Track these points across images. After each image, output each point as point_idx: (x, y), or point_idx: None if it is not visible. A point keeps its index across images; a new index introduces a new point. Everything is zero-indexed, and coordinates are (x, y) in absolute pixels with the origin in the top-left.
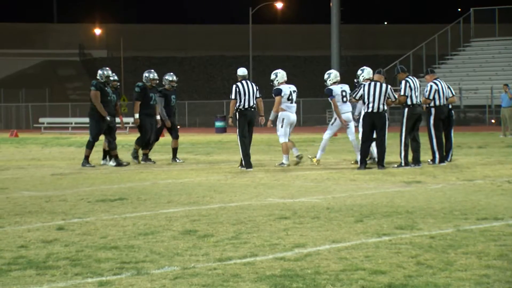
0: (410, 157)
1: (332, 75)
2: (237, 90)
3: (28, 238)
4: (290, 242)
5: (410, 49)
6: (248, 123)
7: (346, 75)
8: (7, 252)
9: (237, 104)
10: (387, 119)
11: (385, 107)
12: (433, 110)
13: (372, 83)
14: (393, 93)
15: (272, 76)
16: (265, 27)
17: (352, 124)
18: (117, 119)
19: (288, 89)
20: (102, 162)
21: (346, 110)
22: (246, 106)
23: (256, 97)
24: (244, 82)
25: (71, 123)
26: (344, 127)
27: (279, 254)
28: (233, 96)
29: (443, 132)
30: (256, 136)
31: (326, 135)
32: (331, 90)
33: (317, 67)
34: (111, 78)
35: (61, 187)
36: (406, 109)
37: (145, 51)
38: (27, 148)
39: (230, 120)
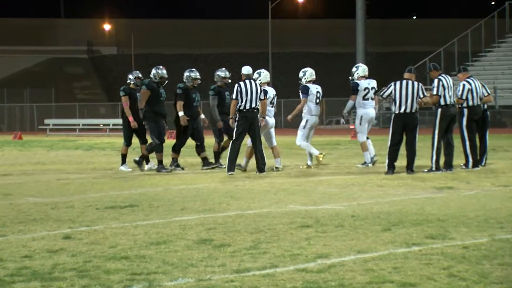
0: (441, 161)
1: (308, 73)
2: (239, 89)
3: (33, 247)
4: (312, 252)
5: (441, 45)
6: (249, 126)
7: (372, 72)
8: (10, 263)
9: (238, 105)
10: (418, 120)
11: (417, 107)
12: (465, 110)
13: (404, 82)
14: (424, 92)
15: (255, 75)
16: (285, 22)
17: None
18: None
19: (272, 92)
20: (121, 167)
21: (317, 112)
22: (248, 107)
23: (260, 99)
24: (247, 81)
25: (79, 125)
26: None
27: (300, 265)
28: (234, 96)
29: (476, 134)
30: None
31: (300, 140)
32: (308, 88)
33: (341, 64)
34: (166, 78)
35: (68, 193)
36: (439, 110)
37: (157, 47)
38: (32, 151)
39: (231, 121)
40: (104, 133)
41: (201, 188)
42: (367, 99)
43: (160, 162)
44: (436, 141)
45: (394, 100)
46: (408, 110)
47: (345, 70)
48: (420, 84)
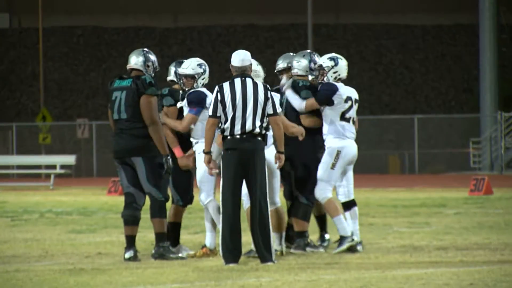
0: None
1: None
2: (219, 98)
3: None
4: None
5: None
6: (242, 167)
7: (509, 59)
8: None
9: (221, 126)
10: None
11: None
12: None
13: None
14: None
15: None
16: None
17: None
18: None
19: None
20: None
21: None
22: (237, 131)
23: (267, 114)
24: (238, 81)
25: None
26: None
27: None
28: (210, 111)
29: None
30: None
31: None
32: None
33: (450, 47)
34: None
35: None
36: None
37: (91, 16)
38: None
39: (207, 159)
40: None
41: None
42: (348, 119)
43: (162, 237)
44: None
45: None
46: None
47: (459, 56)
48: None
